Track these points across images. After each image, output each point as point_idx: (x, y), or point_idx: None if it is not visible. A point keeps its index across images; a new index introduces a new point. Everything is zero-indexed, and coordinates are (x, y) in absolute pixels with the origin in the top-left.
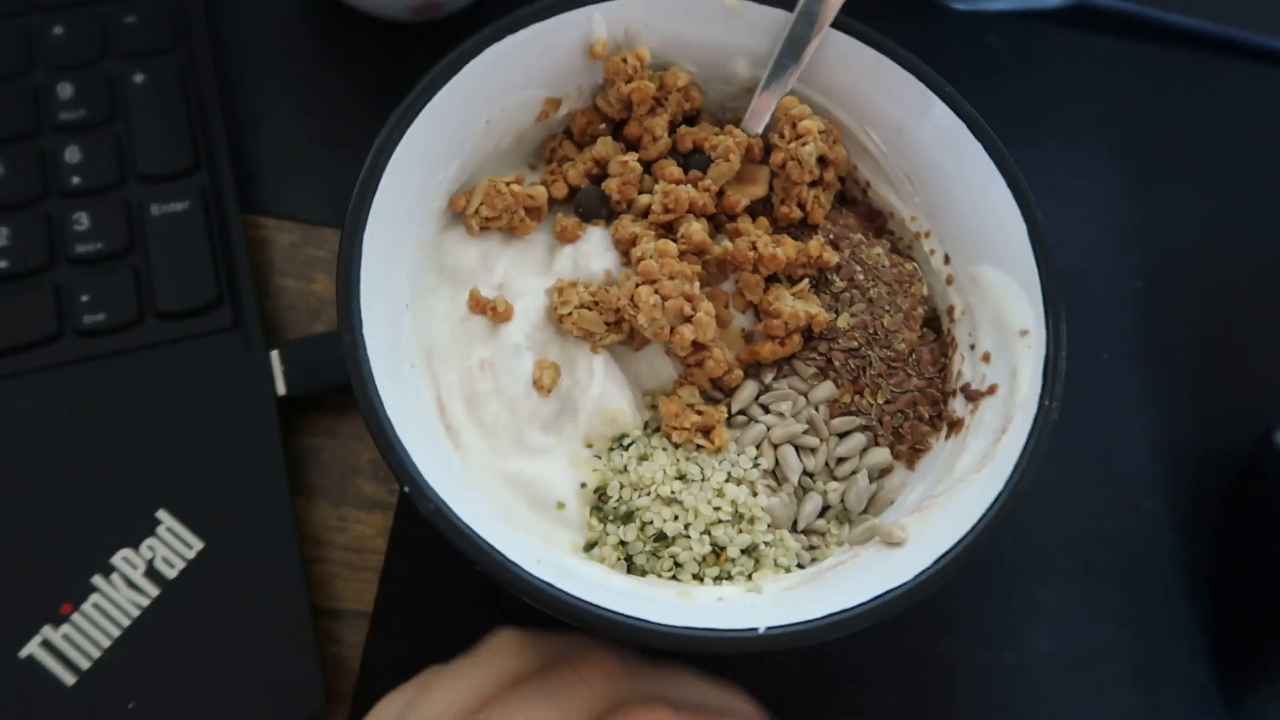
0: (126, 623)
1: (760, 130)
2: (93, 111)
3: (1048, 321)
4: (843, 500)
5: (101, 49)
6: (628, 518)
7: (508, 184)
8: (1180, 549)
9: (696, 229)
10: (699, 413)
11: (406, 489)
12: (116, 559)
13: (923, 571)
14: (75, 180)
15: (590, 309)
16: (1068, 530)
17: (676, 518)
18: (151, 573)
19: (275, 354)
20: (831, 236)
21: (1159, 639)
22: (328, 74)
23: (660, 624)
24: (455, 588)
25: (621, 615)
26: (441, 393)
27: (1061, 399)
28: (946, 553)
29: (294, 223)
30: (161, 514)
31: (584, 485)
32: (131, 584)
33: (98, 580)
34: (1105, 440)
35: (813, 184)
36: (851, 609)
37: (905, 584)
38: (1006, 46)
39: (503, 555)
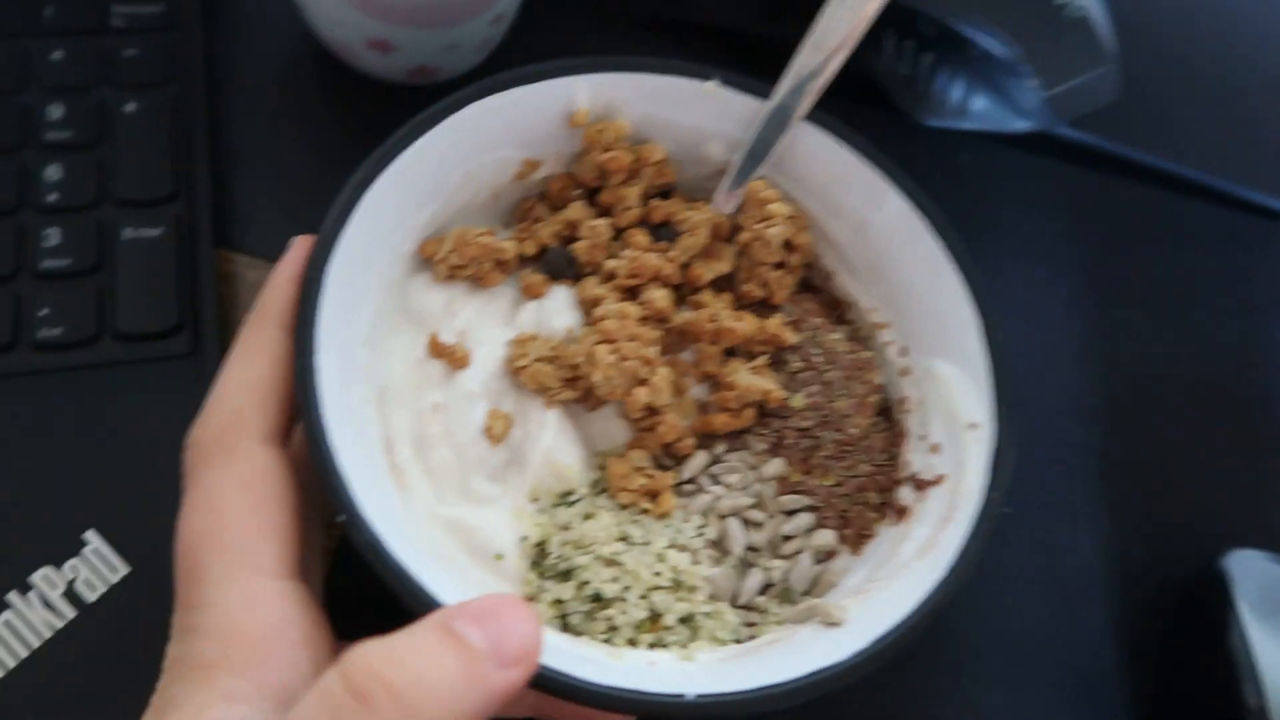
0: (36, 644)
1: (730, 211)
2: (79, 134)
3: (997, 416)
4: (785, 579)
5: (97, 77)
6: (566, 575)
7: (478, 235)
8: (1123, 668)
9: (660, 296)
10: (648, 476)
11: (342, 518)
12: (36, 576)
13: (858, 652)
14: (52, 197)
15: (548, 363)
16: (1011, 635)
17: (616, 580)
18: (71, 594)
19: None
20: (792, 318)
21: None
22: (319, 124)
23: (587, 681)
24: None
25: (550, 670)
26: (391, 432)
27: (1014, 496)
28: (883, 635)
29: (265, 261)
30: (90, 535)
31: (525, 539)
32: (48, 604)
33: (13, 597)
34: (1054, 548)
35: (777, 266)
36: (785, 683)
37: (839, 663)
38: (975, 165)
39: (432, 597)
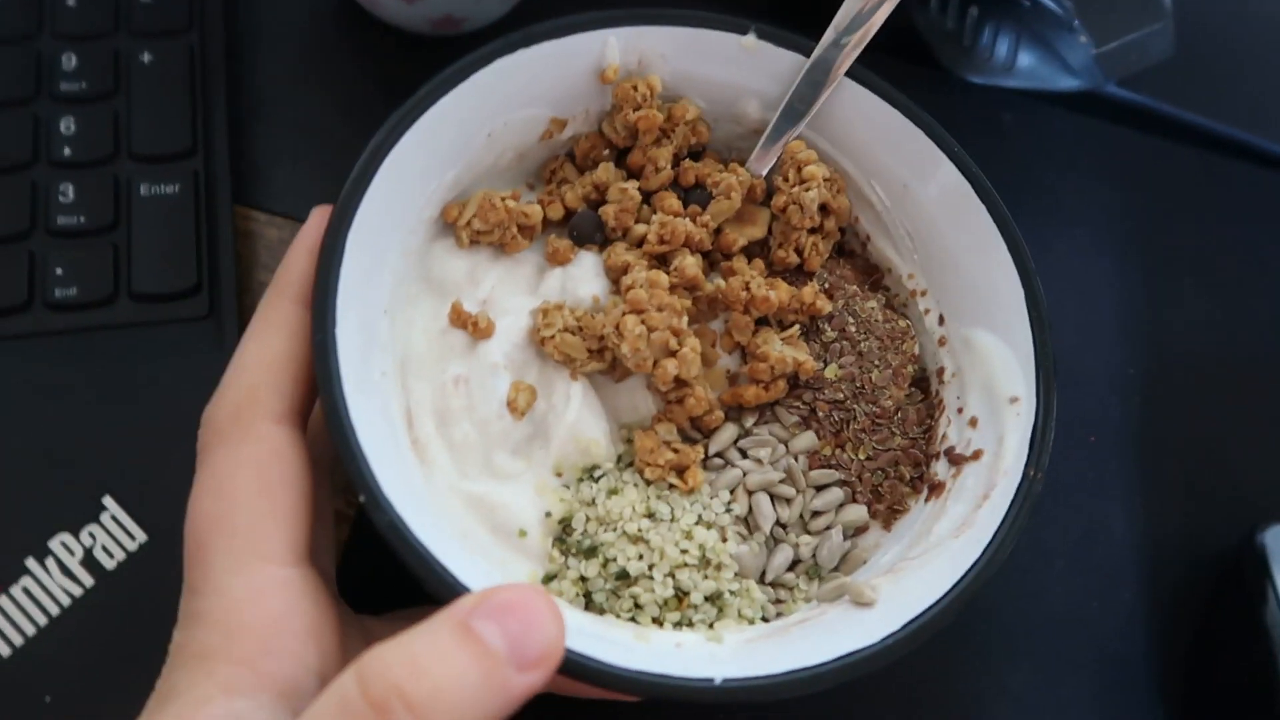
0: (55, 611)
1: (764, 173)
2: (94, 85)
3: (1039, 391)
4: (814, 555)
5: (112, 25)
6: (591, 552)
7: (503, 199)
8: (1156, 644)
9: (690, 263)
10: (675, 450)
11: (363, 498)
12: (54, 543)
13: (890, 635)
14: (66, 151)
15: (574, 334)
16: (1041, 613)
17: (641, 557)
18: (89, 561)
19: None
20: (826, 285)
21: None
22: (341, 77)
23: (614, 666)
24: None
25: (575, 654)
26: (412, 405)
27: (1046, 471)
28: (916, 618)
29: (285, 219)
30: (108, 501)
31: (549, 515)
32: (66, 571)
33: (30, 563)
34: (1086, 525)
35: (812, 230)
36: (814, 667)
37: (871, 646)
38: (1019, 126)
39: (455, 579)
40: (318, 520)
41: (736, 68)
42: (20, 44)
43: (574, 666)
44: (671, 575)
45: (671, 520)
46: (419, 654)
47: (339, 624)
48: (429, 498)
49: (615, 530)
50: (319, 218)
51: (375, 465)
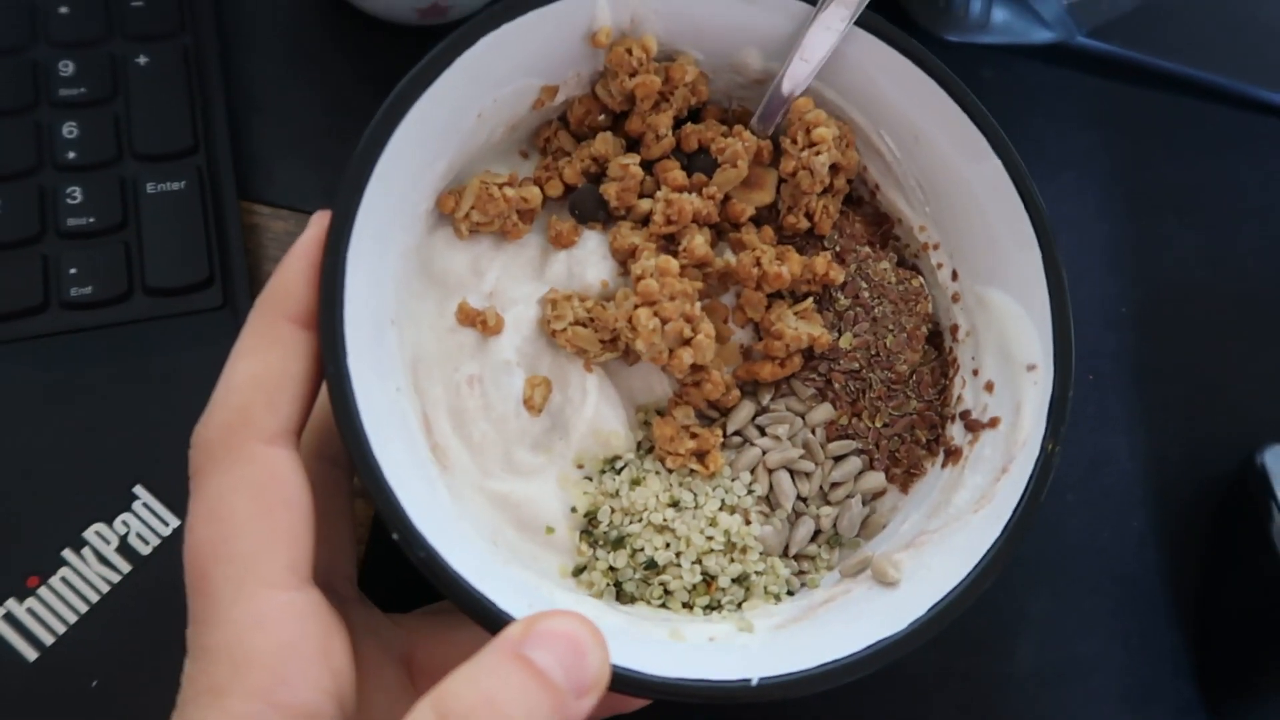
0: (95, 599)
1: (770, 131)
2: (93, 89)
3: (1056, 360)
4: (835, 525)
5: (106, 30)
6: (618, 544)
7: (500, 186)
8: (1168, 568)
9: (700, 243)
10: (694, 435)
11: (396, 536)
12: (89, 533)
13: (917, 620)
14: (70, 155)
15: (585, 326)
16: (1056, 543)
17: (668, 546)
18: (124, 549)
19: None
20: (838, 249)
21: (1147, 655)
22: (334, 69)
23: (654, 676)
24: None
25: (617, 668)
26: (427, 409)
27: (1063, 443)
28: (941, 600)
29: (289, 211)
30: (139, 489)
31: (574, 509)
32: (103, 559)
33: (68, 554)
34: (1094, 458)
35: (822, 192)
36: (844, 659)
37: (899, 633)
38: (998, 80)
39: (494, 605)
40: (339, 519)
41: (735, 13)
42: (16, 54)
43: (618, 681)
44: (699, 562)
45: (695, 507)
46: (493, 692)
47: (350, 641)
48: (455, 509)
49: (641, 521)
50: (317, 227)
51: (403, 497)
